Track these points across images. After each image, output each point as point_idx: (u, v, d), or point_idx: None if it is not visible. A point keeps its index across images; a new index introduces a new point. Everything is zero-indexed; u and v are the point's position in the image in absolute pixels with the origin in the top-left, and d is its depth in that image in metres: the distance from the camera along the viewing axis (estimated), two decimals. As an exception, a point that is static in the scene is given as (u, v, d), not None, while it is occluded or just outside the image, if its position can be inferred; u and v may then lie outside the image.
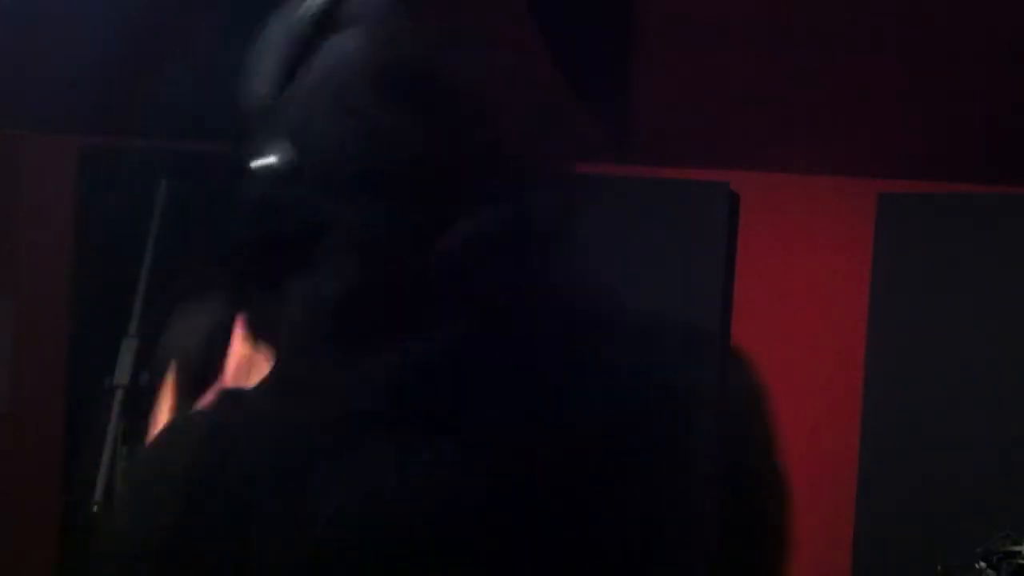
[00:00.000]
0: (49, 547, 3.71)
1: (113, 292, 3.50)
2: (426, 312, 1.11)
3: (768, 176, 3.61)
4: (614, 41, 3.11)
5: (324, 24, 1.25)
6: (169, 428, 1.30)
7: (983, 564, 2.80)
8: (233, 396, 1.24)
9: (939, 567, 3.41)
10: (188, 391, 1.40)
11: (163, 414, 1.44)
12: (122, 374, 2.82)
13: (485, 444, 1.13)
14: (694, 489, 1.23)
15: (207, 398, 1.29)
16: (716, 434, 1.38)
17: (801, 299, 3.70)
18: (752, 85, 3.41)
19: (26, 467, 3.75)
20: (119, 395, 2.80)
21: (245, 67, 1.28)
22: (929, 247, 3.62)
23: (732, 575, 1.52)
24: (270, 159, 1.14)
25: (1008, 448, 3.46)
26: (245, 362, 1.31)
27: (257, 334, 1.30)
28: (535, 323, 1.16)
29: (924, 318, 3.59)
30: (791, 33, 3.25)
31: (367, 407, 1.12)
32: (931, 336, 3.58)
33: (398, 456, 1.11)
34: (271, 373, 1.22)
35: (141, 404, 2.93)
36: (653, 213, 3.40)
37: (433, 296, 1.11)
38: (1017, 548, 2.76)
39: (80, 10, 3.08)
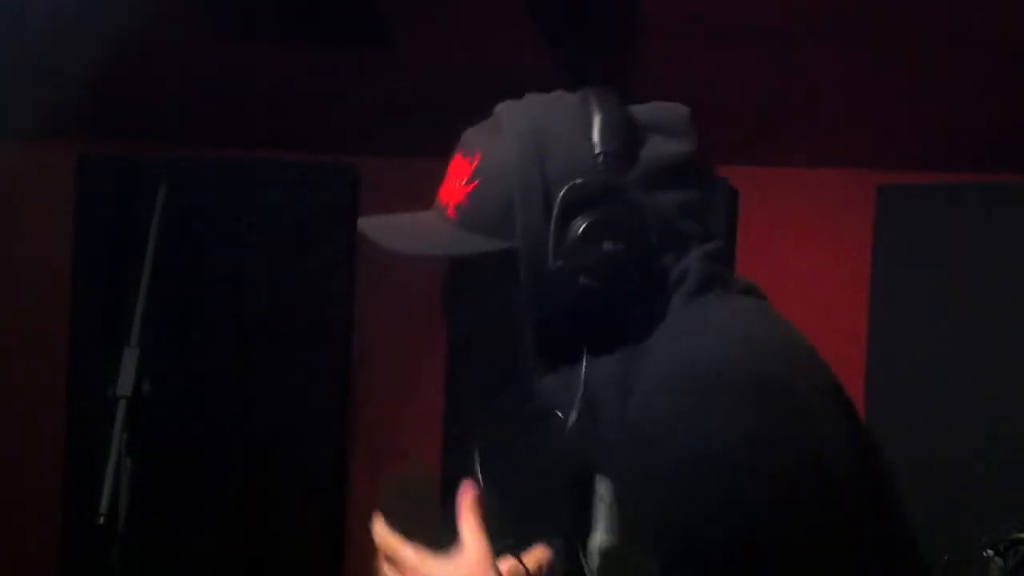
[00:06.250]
0: (51, 558, 3.70)
1: (113, 300, 3.49)
2: None
3: (768, 171, 3.60)
4: (614, 41, 3.11)
5: None
6: None
7: (990, 552, 2.79)
8: None
9: (945, 558, 3.41)
10: None
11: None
12: (125, 385, 2.78)
13: None
14: None
15: None
16: None
17: (802, 292, 3.68)
18: (751, 82, 3.41)
19: (28, 478, 3.73)
20: (122, 406, 2.77)
21: None
22: (928, 237, 3.62)
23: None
24: None
25: (1010, 437, 3.45)
26: None
27: None
28: None
29: (924, 308, 3.59)
30: (790, 31, 3.24)
31: None
32: (932, 325, 3.57)
33: None
34: None
35: (143, 414, 2.91)
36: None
37: None
38: (1023, 536, 2.76)
39: (80, 17, 3.07)
